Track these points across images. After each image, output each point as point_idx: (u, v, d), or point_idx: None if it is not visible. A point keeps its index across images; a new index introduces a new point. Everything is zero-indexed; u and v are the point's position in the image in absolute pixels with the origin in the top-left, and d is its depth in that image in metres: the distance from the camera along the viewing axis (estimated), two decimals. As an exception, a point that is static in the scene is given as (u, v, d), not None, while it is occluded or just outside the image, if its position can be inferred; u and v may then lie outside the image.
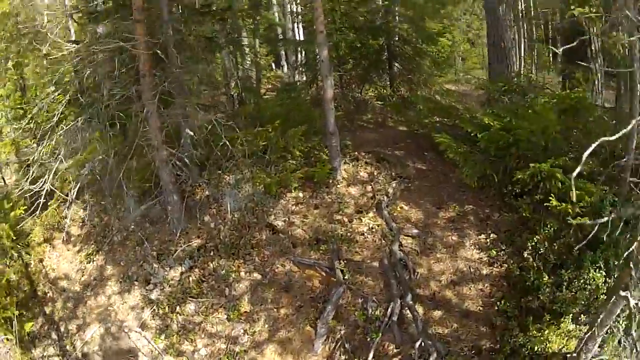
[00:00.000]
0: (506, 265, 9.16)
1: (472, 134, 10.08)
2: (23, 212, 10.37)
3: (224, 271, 9.64)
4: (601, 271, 8.18)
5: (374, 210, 10.21)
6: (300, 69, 16.56)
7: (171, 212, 10.27)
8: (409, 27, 14.23)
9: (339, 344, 8.74)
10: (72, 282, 10.54)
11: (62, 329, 10.01)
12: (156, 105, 9.58)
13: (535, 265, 8.75)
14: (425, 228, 9.92)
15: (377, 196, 10.38)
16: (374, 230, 9.79)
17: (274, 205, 10.27)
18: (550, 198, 8.63)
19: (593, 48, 13.02)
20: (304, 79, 15.64)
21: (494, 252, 9.39)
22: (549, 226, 8.98)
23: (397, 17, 14.27)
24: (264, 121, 11.48)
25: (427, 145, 11.88)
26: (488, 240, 9.62)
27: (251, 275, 9.59)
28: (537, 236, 9.01)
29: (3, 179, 12.29)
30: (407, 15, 14.16)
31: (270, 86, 16.33)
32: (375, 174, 10.86)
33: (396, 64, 14.67)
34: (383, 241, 9.71)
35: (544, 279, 8.39)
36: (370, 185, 10.62)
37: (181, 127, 10.24)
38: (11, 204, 10.51)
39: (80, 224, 11.32)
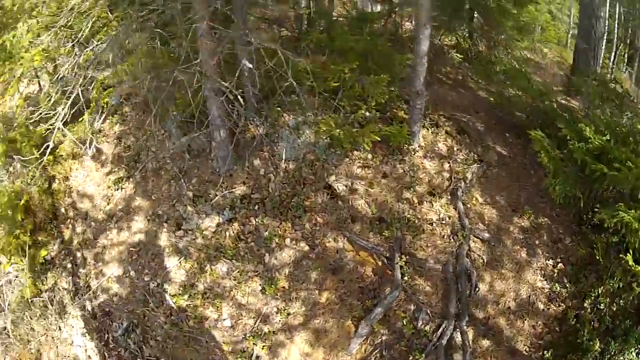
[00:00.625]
0: (564, 307, 7.58)
1: (567, 138, 7.82)
2: (50, 126, 7.84)
3: (267, 232, 7.66)
4: (644, 356, 6.85)
5: (449, 195, 7.98)
6: (379, -4, 13.24)
7: (216, 149, 8.31)
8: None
9: (377, 349, 7.21)
10: (96, 209, 8.67)
11: (78, 261, 8.33)
12: (209, 25, 7.27)
13: (591, 321, 7.30)
14: (497, 232, 8.16)
15: (454, 178, 7.96)
16: (444, 222, 7.80)
17: (337, 164, 8.33)
18: (628, 255, 6.97)
19: None
20: (378, 9, 12.38)
21: (557, 287, 7.72)
22: (615, 279, 7.38)
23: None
24: (333, 54, 9.12)
25: (509, 122, 9.85)
26: (555, 269, 7.90)
27: (297, 245, 7.68)
28: (602, 287, 7.46)
29: (39, 83, 9.75)
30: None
31: (344, 11, 13.04)
32: (455, 149, 8.61)
33: (477, 16, 11.98)
34: (452, 239, 7.98)
35: (595, 345, 6.92)
36: (449, 162, 8.41)
37: (239, 54, 7.78)
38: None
39: (115, 141, 8.88)
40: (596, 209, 7.67)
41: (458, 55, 11.63)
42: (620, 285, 7.39)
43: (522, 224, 8.28)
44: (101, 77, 9.02)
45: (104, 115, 9.21)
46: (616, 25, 15.17)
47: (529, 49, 13.98)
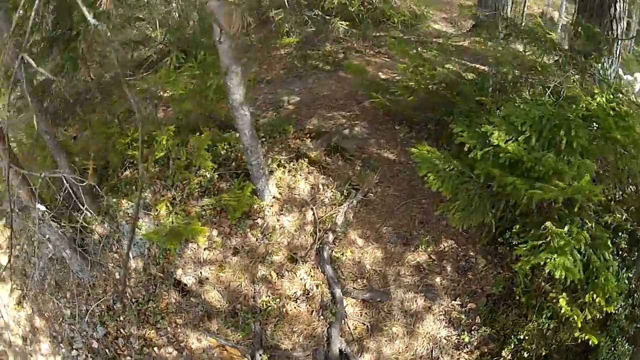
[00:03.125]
0: (478, 354, 5.59)
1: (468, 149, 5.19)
2: None
3: (137, 344, 6.01)
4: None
5: (314, 255, 5.64)
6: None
7: (71, 264, 6.95)
8: None
9: None
10: (15, 335, 7.72)
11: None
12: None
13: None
14: (383, 282, 6.03)
15: (320, 231, 5.69)
16: (311, 294, 5.89)
17: (181, 253, 6.37)
18: (561, 298, 4.91)
19: (618, 6, 6.87)
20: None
21: (466, 336, 5.66)
22: (544, 317, 5.32)
23: None
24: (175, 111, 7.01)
25: (399, 112, 7.02)
26: (463, 310, 5.79)
27: (166, 350, 6.19)
28: (527, 327, 5.40)
29: None
30: None
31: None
32: (320, 186, 6.35)
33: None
34: (322, 316, 6.03)
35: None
36: (312, 209, 6.05)
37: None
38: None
39: (7, 250, 7.80)
40: (514, 227, 5.31)
41: (343, 23, 8.36)
42: (553, 325, 5.29)
43: (418, 259, 6.08)
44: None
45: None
46: None
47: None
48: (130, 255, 6.63)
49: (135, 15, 9.00)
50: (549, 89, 5.94)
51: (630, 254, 5.41)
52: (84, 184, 5.65)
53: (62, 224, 6.54)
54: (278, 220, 6.33)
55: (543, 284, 5.55)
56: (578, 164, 4.85)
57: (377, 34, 8.56)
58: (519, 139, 5.02)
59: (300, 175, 6.51)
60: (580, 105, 5.29)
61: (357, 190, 6.39)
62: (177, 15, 9.02)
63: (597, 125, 5.14)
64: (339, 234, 6.17)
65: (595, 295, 4.79)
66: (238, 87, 5.49)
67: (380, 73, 7.77)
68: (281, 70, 7.92)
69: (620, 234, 5.38)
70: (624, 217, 5.48)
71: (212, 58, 6.65)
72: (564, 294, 4.99)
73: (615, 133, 4.92)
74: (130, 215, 6.69)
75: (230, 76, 5.39)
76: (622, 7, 6.95)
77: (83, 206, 6.38)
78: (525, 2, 8.60)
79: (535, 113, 5.07)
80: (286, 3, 7.86)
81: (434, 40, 8.39)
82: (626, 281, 5.18)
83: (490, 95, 6.24)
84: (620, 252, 5.36)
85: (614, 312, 5.07)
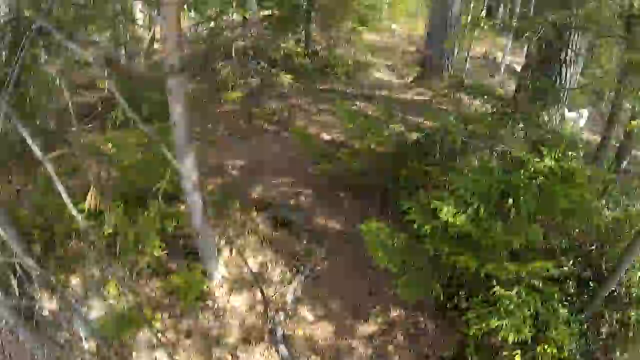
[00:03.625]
0: None
1: (417, 226, 5.37)
2: None
3: None
4: None
5: (267, 335, 5.80)
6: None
7: (26, 342, 6.39)
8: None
9: None
10: None
11: None
12: None
13: None
14: (336, 356, 6.07)
15: (271, 311, 5.79)
16: None
17: (134, 336, 5.93)
18: (516, 356, 5.18)
19: (569, 51, 6.92)
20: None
21: None
22: None
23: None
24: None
25: (346, 174, 6.95)
26: None
27: None
28: None
29: None
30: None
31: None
32: (268, 264, 6.25)
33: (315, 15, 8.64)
34: None
35: None
36: (261, 288, 6.02)
37: None
38: None
39: None
40: (461, 291, 5.76)
41: (287, 76, 8.21)
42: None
43: (369, 330, 6.27)
44: None
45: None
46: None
47: (376, 30, 10.01)
48: (82, 335, 6.59)
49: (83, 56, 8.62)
50: (496, 153, 6.13)
51: (579, 297, 5.62)
52: (39, 273, 5.63)
53: (14, 302, 6.41)
54: (228, 301, 6.38)
55: (493, 340, 5.82)
56: (526, 232, 5.04)
57: (322, 87, 8.48)
58: (468, 211, 5.20)
59: (249, 252, 6.56)
60: (529, 167, 5.45)
61: (305, 266, 6.50)
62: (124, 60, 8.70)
63: (545, 189, 5.29)
64: (290, 312, 6.31)
65: (546, 347, 5.06)
66: (192, 171, 5.40)
67: (324, 133, 7.77)
68: (225, 131, 7.79)
69: (568, 281, 5.62)
70: (570, 263, 5.74)
71: (159, 124, 6.47)
72: (518, 351, 5.19)
73: (564, 202, 5.07)
74: (79, 294, 6.62)
75: (185, 162, 5.30)
76: (571, 54, 7.04)
77: (35, 290, 6.36)
78: (470, 47, 8.65)
79: (483, 183, 5.23)
80: (233, 54, 7.70)
81: (378, 92, 8.43)
82: (578, 323, 5.40)
83: (437, 163, 6.36)
84: (570, 298, 5.59)
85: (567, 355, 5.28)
